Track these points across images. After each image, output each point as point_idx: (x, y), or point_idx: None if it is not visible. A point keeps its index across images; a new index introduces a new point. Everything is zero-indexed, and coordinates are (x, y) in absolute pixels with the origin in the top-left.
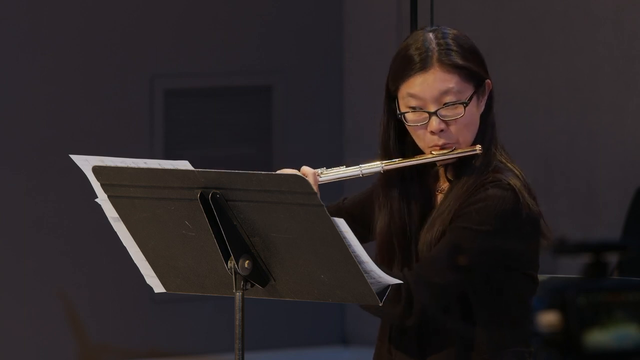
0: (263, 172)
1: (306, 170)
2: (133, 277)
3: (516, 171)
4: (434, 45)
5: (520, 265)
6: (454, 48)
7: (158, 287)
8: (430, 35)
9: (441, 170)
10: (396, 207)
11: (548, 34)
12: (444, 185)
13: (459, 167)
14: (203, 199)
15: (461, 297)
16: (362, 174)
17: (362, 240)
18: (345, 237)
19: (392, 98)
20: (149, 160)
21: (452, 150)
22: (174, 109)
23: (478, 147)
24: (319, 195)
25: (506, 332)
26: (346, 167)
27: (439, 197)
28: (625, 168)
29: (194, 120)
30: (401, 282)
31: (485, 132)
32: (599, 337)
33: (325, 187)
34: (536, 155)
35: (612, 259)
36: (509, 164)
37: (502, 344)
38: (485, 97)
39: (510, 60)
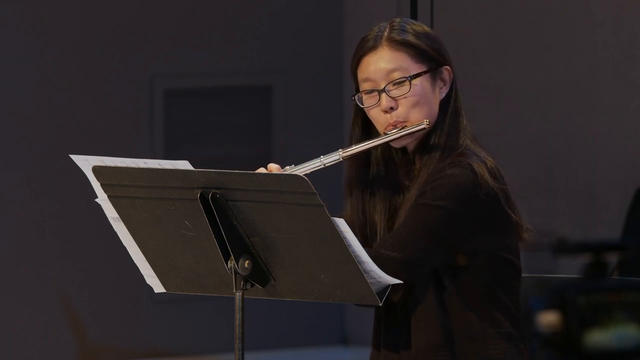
0: (263, 172)
1: (272, 166)
2: (133, 277)
3: (487, 160)
4: (388, 28)
5: (487, 245)
6: (408, 30)
7: (158, 287)
8: (389, 23)
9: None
10: (358, 202)
11: (547, 34)
12: None
13: (424, 156)
14: (203, 199)
15: (436, 280)
16: (324, 165)
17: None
18: (345, 237)
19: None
20: (149, 160)
21: (402, 129)
22: (174, 109)
23: (425, 121)
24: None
25: (491, 316)
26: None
27: None
28: (625, 168)
29: (194, 120)
30: (401, 282)
31: (445, 118)
32: (599, 337)
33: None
34: (536, 155)
35: (612, 259)
36: (477, 151)
37: (486, 328)
38: (447, 85)
39: (510, 60)
